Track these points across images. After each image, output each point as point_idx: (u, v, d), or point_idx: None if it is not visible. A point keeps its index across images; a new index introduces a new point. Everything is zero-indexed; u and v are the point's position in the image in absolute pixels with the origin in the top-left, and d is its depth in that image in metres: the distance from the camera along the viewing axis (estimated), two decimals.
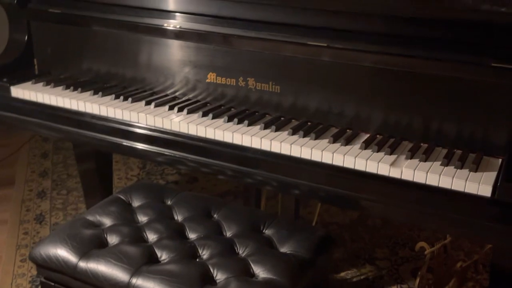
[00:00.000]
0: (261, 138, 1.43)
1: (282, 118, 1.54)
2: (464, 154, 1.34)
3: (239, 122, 1.50)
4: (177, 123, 1.52)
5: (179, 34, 1.61)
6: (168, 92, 1.70)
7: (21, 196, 2.87)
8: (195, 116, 1.55)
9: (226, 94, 1.61)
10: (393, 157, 1.33)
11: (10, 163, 3.20)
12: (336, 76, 1.46)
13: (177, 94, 1.69)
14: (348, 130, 1.47)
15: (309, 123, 1.51)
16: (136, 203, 1.63)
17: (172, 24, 1.62)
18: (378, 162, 1.31)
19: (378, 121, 1.44)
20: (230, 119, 1.51)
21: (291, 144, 1.39)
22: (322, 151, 1.36)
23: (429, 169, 1.27)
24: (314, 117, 1.52)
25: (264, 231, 1.50)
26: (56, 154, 3.30)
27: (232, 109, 1.61)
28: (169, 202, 1.63)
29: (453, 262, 2.03)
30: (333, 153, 1.35)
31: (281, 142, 1.41)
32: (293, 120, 1.54)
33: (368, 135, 1.45)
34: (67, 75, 1.87)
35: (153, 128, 1.56)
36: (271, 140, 1.41)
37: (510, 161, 1.28)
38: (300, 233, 1.47)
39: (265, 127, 1.48)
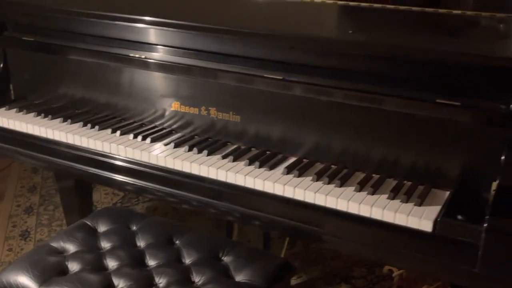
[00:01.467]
0: (217, 169, 1.46)
1: (242, 147, 1.58)
2: (413, 186, 1.37)
3: (199, 151, 1.54)
4: (139, 152, 1.56)
5: (144, 64, 1.65)
6: (136, 119, 1.74)
7: (9, 212, 2.93)
8: (157, 145, 1.59)
9: (190, 123, 1.65)
10: (342, 189, 1.36)
11: (0, 178, 3.26)
12: (292, 108, 1.49)
13: (144, 121, 1.73)
14: (304, 160, 1.51)
15: (268, 152, 1.55)
16: (101, 228, 1.67)
17: (138, 54, 1.66)
18: (326, 195, 1.34)
19: (333, 152, 1.47)
20: (190, 149, 1.55)
21: (245, 176, 1.43)
22: (274, 183, 1.39)
23: (374, 202, 1.30)
24: (273, 146, 1.55)
25: (222, 258, 1.53)
26: None
27: (196, 137, 1.65)
28: (134, 228, 1.67)
29: (424, 282, 2.05)
30: (284, 185, 1.38)
31: (236, 173, 1.44)
32: (253, 149, 1.57)
33: (323, 165, 1.48)
34: (41, 100, 1.91)
35: (116, 156, 1.60)
36: (226, 171, 1.45)
37: (454, 197, 1.31)
38: (257, 261, 1.50)
39: (224, 157, 1.51)
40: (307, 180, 1.40)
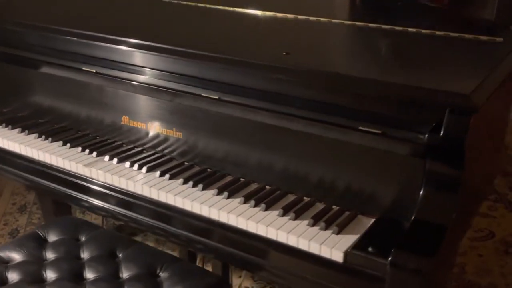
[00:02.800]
0: (150, 187, 1.47)
1: (185, 164, 1.58)
2: (339, 212, 1.35)
3: (139, 168, 1.56)
4: (81, 167, 1.59)
5: (93, 78, 1.67)
6: (90, 131, 1.77)
7: (3, 210, 3.01)
8: (103, 159, 1.61)
9: (138, 137, 1.67)
10: (265, 213, 1.35)
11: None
12: (229, 127, 1.49)
13: (98, 134, 1.75)
14: (241, 179, 1.50)
15: (209, 170, 1.55)
16: (51, 238, 1.70)
17: (90, 68, 1.68)
18: (247, 220, 1.33)
19: (267, 172, 1.46)
20: (132, 165, 1.57)
21: (174, 196, 1.43)
22: (200, 204, 1.40)
23: (292, 229, 1.29)
24: (213, 165, 1.55)
25: (159, 274, 1.54)
26: None
27: (144, 151, 1.66)
28: (83, 239, 1.70)
29: None
30: (209, 207, 1.38)
31: (167, 192, 1.45)
32: (195, 166, 1.58)
33: (257, 185, 1.47)
34: (8, 109, 1.96)
35: (61, 169, 1.63)
36: (158, 190, 1.46)
37: (374, 226, 1.28)
38: (192, 278, 1.51)
39: (161, 175, 1.52)
40: (235, 202, 1.40)
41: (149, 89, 1.57)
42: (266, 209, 1.36)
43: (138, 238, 2.50)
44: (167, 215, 1.46)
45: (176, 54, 1.51)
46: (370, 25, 1.73)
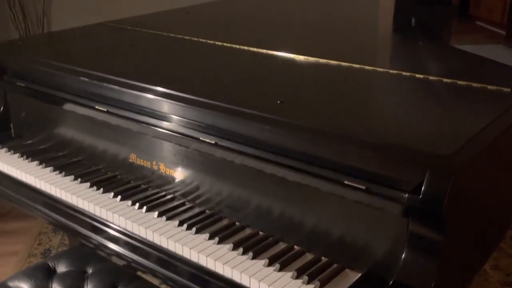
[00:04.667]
0: (146, 228, 1.50)
1: (186, 204, 1.61)
2: (327, 264, 1.33)
3: (140, 207, 1.59)
4: (87, 203, 1.64)
5: (104, 116, 1.73)
6: (101, 166, 1.82)
7: (39, 229, 3.14)
8: (108, 196, 1.66)
9: (145, 175, 1.71)
10: (252, 263, 1.35)
11: None
12: (226, 172, 1.50)
13: (109, 169, 1.81)
14: (237, 223, 1.51)
15: (207, 212, 1.57)
16: (60, 270, 1.76)
17: (101, 107, 1.74)
18: (233, 268, 1.33)
19: (261, 219, 1.46)
20: (133, 203, 1.61)
21: (167, 238, 1.45)
22: (190, 249, 1.41)
23: (275, 281, 1.28)
24: (212, 207, 1.57)
25: None
26: None
27: (149, 189, 1.70)
28: (89, 271, 1.75)
29: None
30: (198, 252, 1.40)
31: (161, 234, 1.47)
32: (195, 208, 1.60)
33: (251, 231, 1.48)
34: (31, 141, 2.05)
35: (69, 204, 1.69)
36: (153, 232, 1.49)
37: (357, 283, 1.26)
38: None
39: (159, 215, 1.55)
40: (224, 249, 1.41)
41: (151, 130, 1.61)
42: (254, 257, 1.36)
43: None
44: (163, 259, 1.48)
45: (174, 99, 1.55)
46: (379, 69, 1.71)
